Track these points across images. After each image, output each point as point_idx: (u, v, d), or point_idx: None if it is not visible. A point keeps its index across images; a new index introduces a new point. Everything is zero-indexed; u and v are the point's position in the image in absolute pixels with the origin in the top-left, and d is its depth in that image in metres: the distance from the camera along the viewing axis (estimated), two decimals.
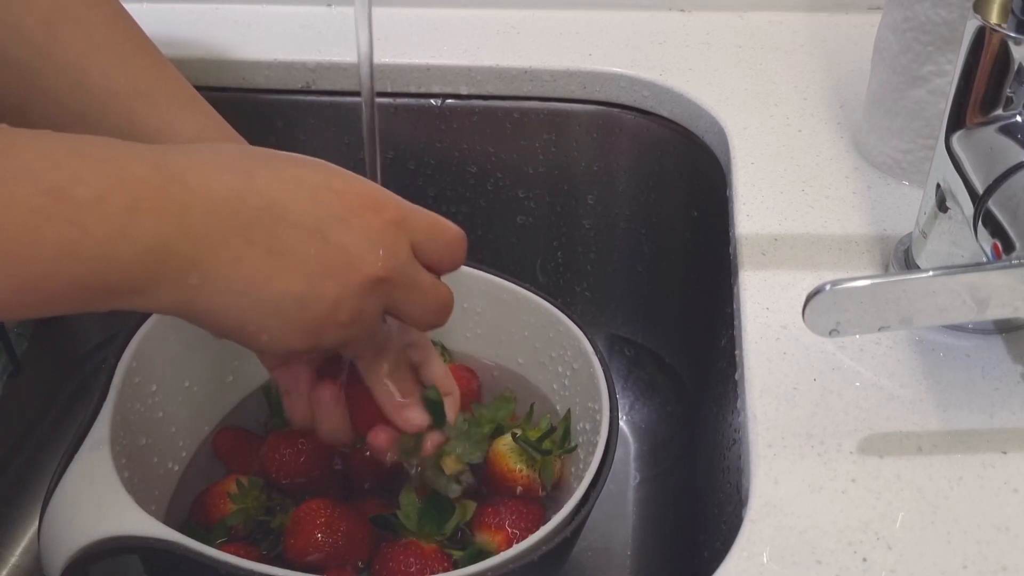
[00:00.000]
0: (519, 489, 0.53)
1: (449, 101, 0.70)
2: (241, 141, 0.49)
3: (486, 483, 0.54)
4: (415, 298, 0.41)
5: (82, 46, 0.45)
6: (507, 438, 0.53)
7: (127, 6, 0.51)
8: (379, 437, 0.49)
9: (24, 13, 0.44)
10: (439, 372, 0.50)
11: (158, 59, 0.48)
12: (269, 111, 0.71)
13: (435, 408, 0.48)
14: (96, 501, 0.43)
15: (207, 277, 0.35)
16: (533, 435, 0.53)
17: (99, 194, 0.32)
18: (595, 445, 0.48)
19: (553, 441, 0.53)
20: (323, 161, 0.40)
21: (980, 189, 0.42)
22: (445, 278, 0.44)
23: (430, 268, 0.42)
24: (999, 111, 0.43)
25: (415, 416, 0.47)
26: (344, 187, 0.38)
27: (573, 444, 0.54)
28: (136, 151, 0.35)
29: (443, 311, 0.43)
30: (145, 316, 0.52)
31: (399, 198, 0.41)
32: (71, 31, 0.45)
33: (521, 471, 0.53)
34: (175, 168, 0.34)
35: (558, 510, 0.46)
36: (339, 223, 0.37)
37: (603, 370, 0.52)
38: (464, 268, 0.58)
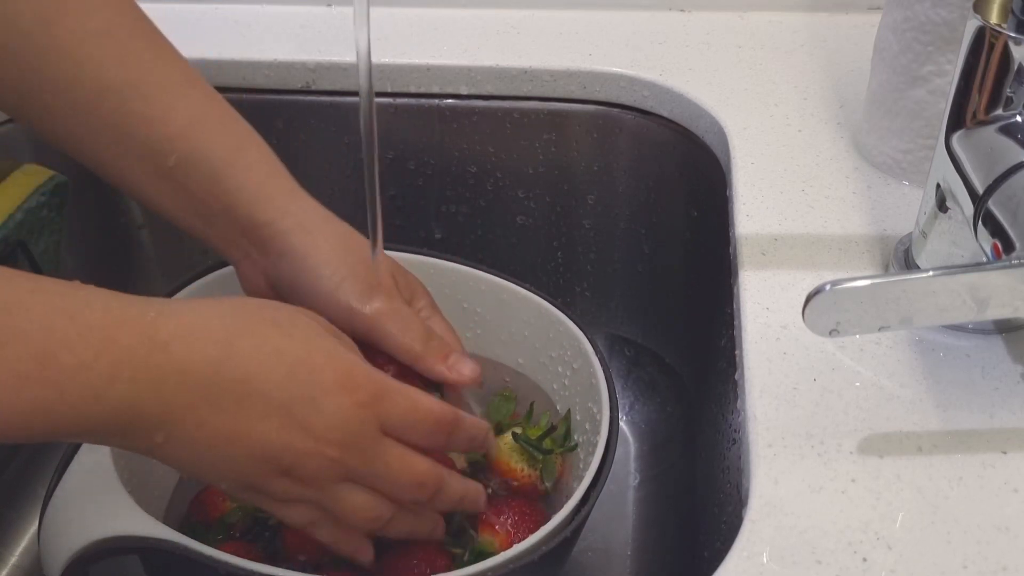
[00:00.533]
0: (516, 483, 0.53)
1: (449, 101, 0.70)
2: (238, 120, 0.49)
3: (486, 482, 0.54)
4: (378, 477, 0.42)
5: (77, 37, 0.45)
6: (507, 437, 0.53)
7: None
8: None
9: (22, 5, 0.44)
10: (442, 326, 0.51)
11: (154, 44, 0.48)
12: (269, 111, 0.71)
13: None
14: (96, 501, 0.43)
15: (171, 437, 0.37)
16: (533, 433, 0.53)
17: (83, 361, 0.34)
18: (595, 445, 0.48)
19: (554, 440, 0.53)
20: (315, 327, 0.41)
21: (980, 189, 0.42)
22: (444, 277, 0.44)
23: (411, 446, 0.43)
24: (999, 111, 0.43)
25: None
26: (323, 363, 0.40)
27: (574, 443, 0.54)
28: (129, 314, 0.36)
29: (417, 489, 0.43)
30: None
31: (380, 376, 0.42)
32: (66, 22, 0.45)
33: (522, 470, 0.53)
34: (162, 336, 0.36)
35: (558, 510, 0.46)
36: (308, 403, 0.39)
37: (603, 370, 0.52)
38: (463, 268, 0.58)
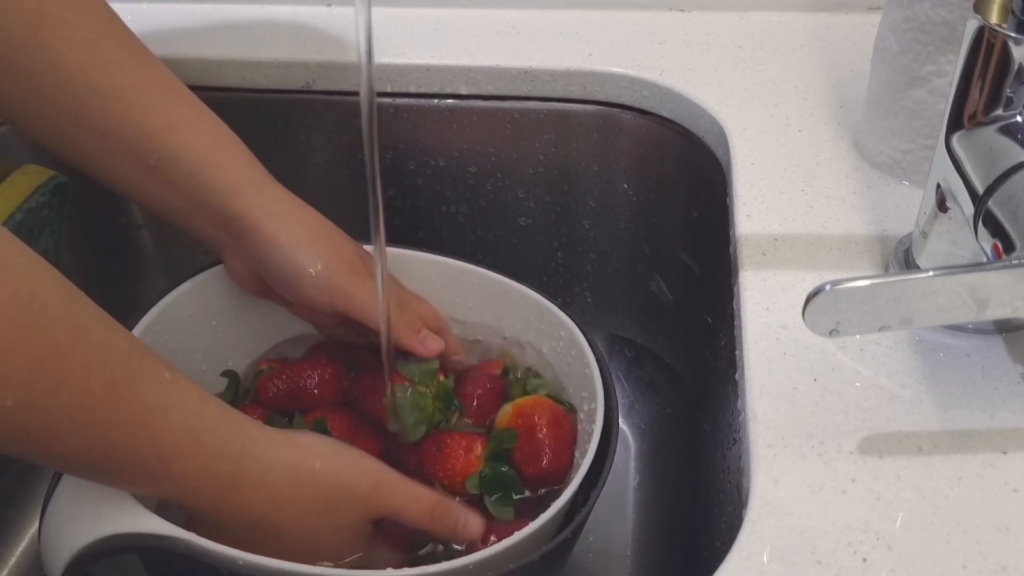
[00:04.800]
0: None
1: (449, 101, 0.70)
2: (212, 119, 0.53)
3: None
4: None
5: (66, 48, 0.48)
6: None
7: (128, 6, 0.51)
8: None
9: (12, 17, 0.47)
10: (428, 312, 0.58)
11: (135, 53, 0.51)
12: (269, 111, 0.71)
13: None
14: (96, 501, 0.43)
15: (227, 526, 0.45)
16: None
17: (184, 474, 0.42)
18: (592, 439, 0.48)
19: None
20: (354, 518, 0.47)
21: (980, 189, 0.42)
22: (438, 272, 0.52)
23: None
24: (999, 111, 0.43)
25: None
26: (336, 544, 0.47)
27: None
28: (232, 451, 0.43)
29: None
30: (141, 315, 0.53)
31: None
32: (54, 33, 0.48)
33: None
34: (242, 479, 0.43)
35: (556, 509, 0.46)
36: (312, 549, 0.46)
37: (601, 369, 0.52)
38: (461, 264, 0.59)
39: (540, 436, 0.52)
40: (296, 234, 0.52)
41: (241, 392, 0.57)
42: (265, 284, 0.54)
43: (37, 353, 0.35)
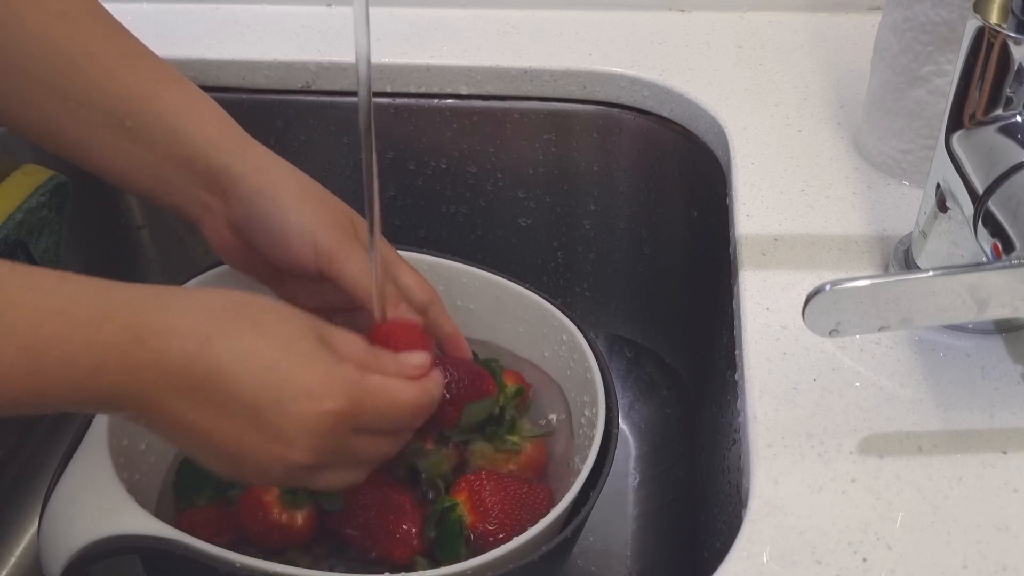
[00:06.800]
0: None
1: (449, 101, 0.70)
2: (188, 83, 0.51)
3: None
4: (345, 473, 0.44)
5: (43, 21, 0.48)
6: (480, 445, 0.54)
7: (128, 6, 0.51)
8: None
9: None
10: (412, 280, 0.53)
11: (106, 23, 0.51)
12: (269, 111, 0.71)
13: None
14: (96, 501, 0.43)
15: (152, 425, 0.40)
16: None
17: (69, 358, 0.36)
18: (592, 441, 0.48)
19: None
20: (300, 330, 0.42)
21: (980, 189, 0.42)
22: (438, 273, 0.48)
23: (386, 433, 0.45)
24: (999, 111, 0.43)
25: None
26: (296, 369, 0.40)
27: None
28: (116, 306, 0.37)
29: (383, 460, 0.45)
30: None
31: (356, 380, 0.42)
32: (33, 9, 0.48)
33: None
34: (143, 331, 0.37)
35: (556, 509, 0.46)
36: (276, 406, 0.39)
37: (602, 370, 0.52)
38: (457, 265, 0.58)
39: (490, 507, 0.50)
40: (283, 187, 0.50)
41: None
42: (248, 251, 0.52)
43: None
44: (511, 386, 0.56)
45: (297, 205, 0.50)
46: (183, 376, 0.38)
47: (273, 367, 0.40)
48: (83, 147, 0.50)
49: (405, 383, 0.44)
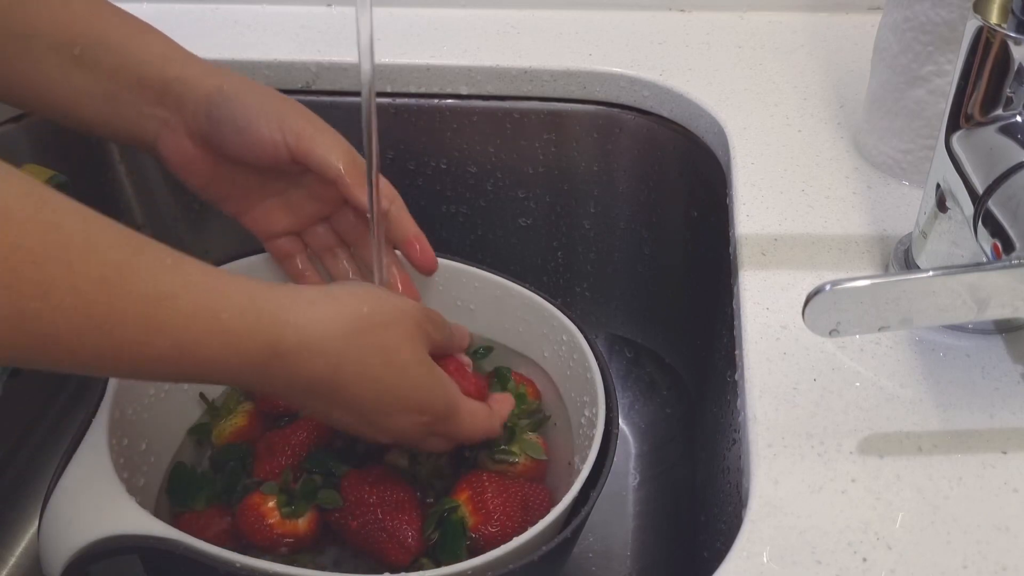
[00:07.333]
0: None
1: (449, 101, 0.70)
2: (135, 16, 0.52)
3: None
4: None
5: None
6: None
7: (128, 6, 0.51)
8: None
9: None
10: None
11: None
12: None
13: None
14: (96, 501, 0.43)
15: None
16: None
17: (215, 357, 0.39)
18: (592, 441, 0.48)
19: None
20: (416, 350, 0.46)
21: (980, 189, 0.42)
22: (438, 273, 0.52)
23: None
24: (999, 111, 0.43)
25: None
26: (407, 393, 0.46)
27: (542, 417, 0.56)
28: (261, 322, 0.40)
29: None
30: None
31: (451, 400, 0.48)
32: None
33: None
34: (283, 348, 0.41)
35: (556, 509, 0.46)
36: (385, 418, 0.46)
37: (602, 370, 0.52)
38: (457, 264, 0.58)
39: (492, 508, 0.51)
40: (243, 84, 0.51)
41: (239, 394, 0.57)
42: (213, 162, 0.52)
43: (9, 262, 0.33)
44: (532, 401, 0.58)
45: (259, 96, 0.51)
46: (311, 385, 0.43)
47: (390, 389, 0.45)
48: (32, 81, 0.50)
49: (489, 415, 0.51)
